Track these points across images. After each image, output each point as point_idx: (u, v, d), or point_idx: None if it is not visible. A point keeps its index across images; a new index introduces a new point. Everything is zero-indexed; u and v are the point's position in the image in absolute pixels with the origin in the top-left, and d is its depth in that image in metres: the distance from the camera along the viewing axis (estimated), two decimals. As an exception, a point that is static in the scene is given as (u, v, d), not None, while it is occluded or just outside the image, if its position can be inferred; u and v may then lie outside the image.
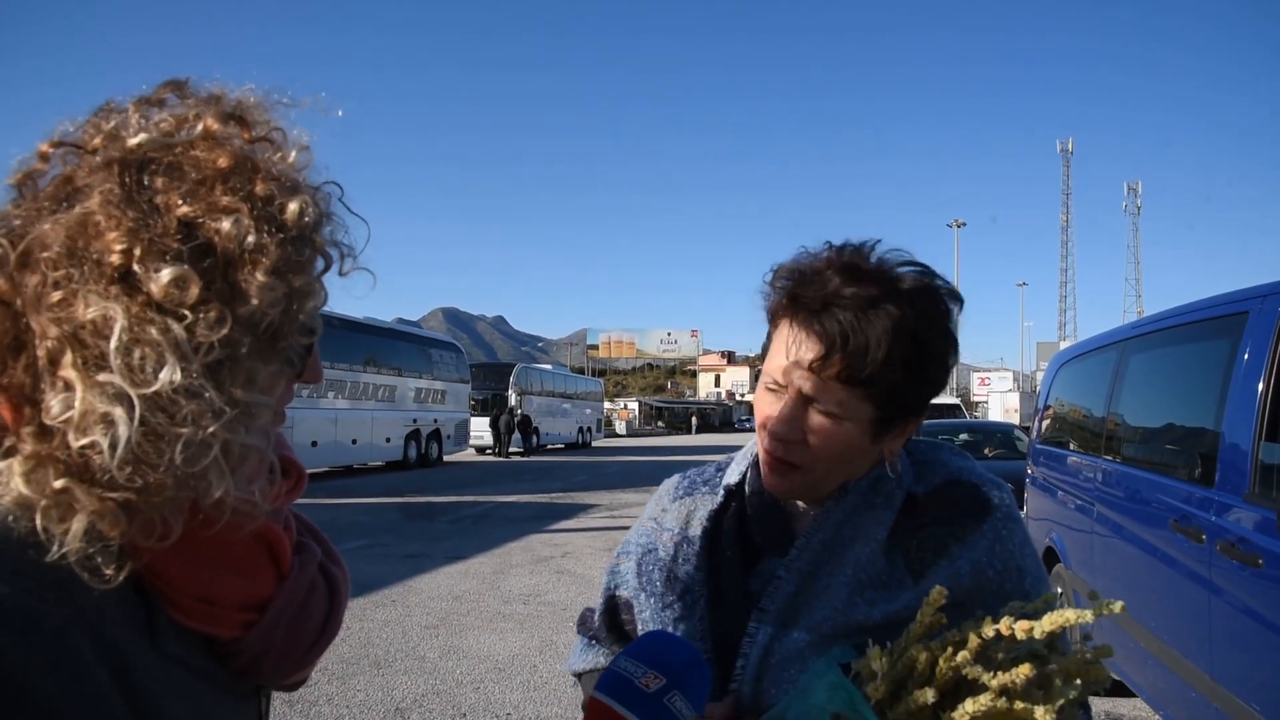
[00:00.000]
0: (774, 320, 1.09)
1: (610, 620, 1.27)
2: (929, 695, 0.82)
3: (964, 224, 52.30)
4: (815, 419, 1.03)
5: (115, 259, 0.63)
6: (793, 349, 1.03)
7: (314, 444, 19.77)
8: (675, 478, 1.31)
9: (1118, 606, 0.84)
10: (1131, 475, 4.24)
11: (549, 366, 46.65)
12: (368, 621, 6.76)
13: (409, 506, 14.79)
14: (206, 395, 0.64)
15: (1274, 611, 2.73)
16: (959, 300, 1.08)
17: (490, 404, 33.39)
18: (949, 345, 1.06)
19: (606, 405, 60.68)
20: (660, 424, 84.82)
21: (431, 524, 12.56)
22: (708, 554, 1.15)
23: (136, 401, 0.62)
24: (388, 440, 23.26)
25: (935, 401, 1.23)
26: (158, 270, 0.63)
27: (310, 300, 0.72)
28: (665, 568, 1.17)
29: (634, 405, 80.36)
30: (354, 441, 21.58)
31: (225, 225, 0.65)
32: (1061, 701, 0.81)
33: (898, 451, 1.10)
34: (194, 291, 0.63)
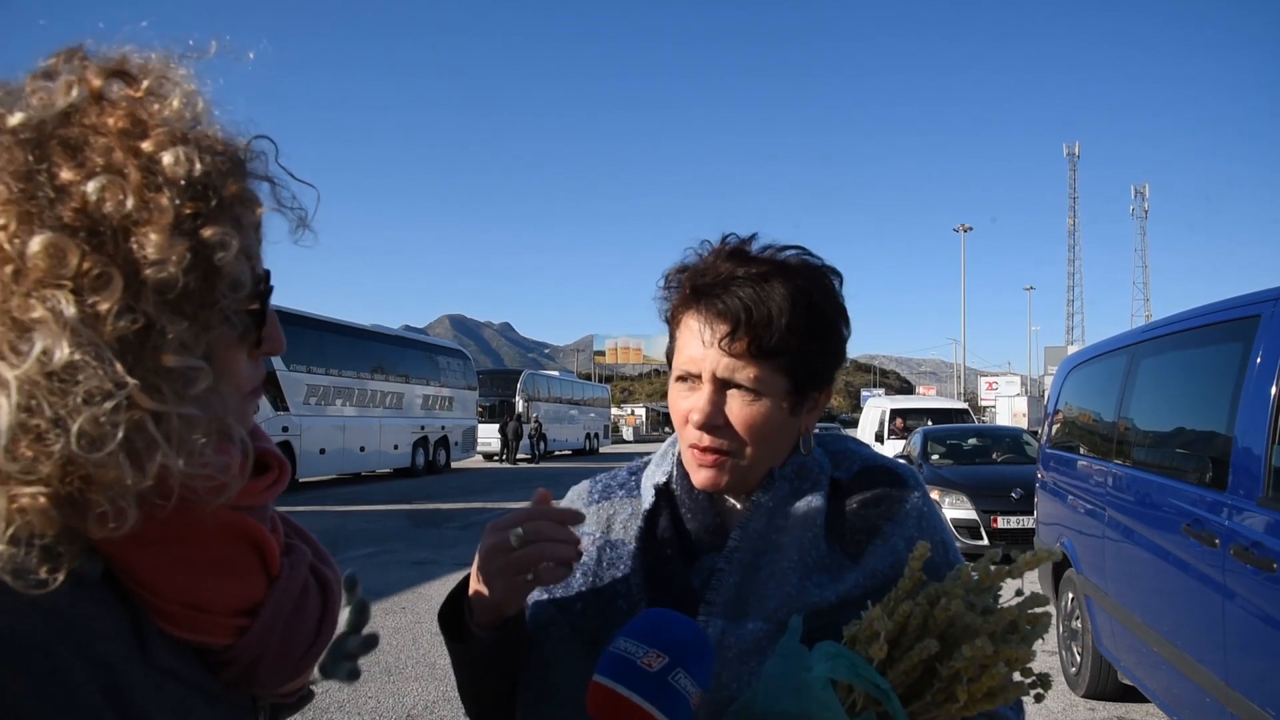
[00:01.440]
0: (676, 318, 1.12)
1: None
2: (933, 646, 0.83)
3: (970, 229, 52.27)
4: (734, 400, 1.06)
5: None
6: (701, 335, 1.06)
7: (322, 451, 19.82)
8: (585, 483, 1.29)
9: (1057, 554, 0.87)
10: (1143, 479, 4.22)
11: (556, 373, 46.66)
12: (377, 628, 6.71)
13: (417, 513, 14.81)
14: (112, 367, 0.59)
15: (1289, 616, 2.72)
16: (839, 276, 1.14)
17: (498, 410, 33.42)
18: (840, 315, 1.11)
19: (614, 411, 60.69)
20: (667, 430, 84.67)
21: (440, 531, 12.57)
22: (642, 555, 1.14)
23: (13, 384, 0.57)
24: (396, 447, 23.29)
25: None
26: (28, 238, 0.59)
27: (225, 252, 0.66)
28: (590, 571, 1.15)
29: (641, 411, 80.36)
30: (362, 449, 21.62)
31: (93, 186, 0.61)
32: (1036, 640, 0.86)
33: (812, 428, 1.15)
34: (73, 261, 0.59)
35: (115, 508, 0.61)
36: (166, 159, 0.64)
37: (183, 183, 0.64)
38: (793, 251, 1.12)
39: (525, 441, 32.62)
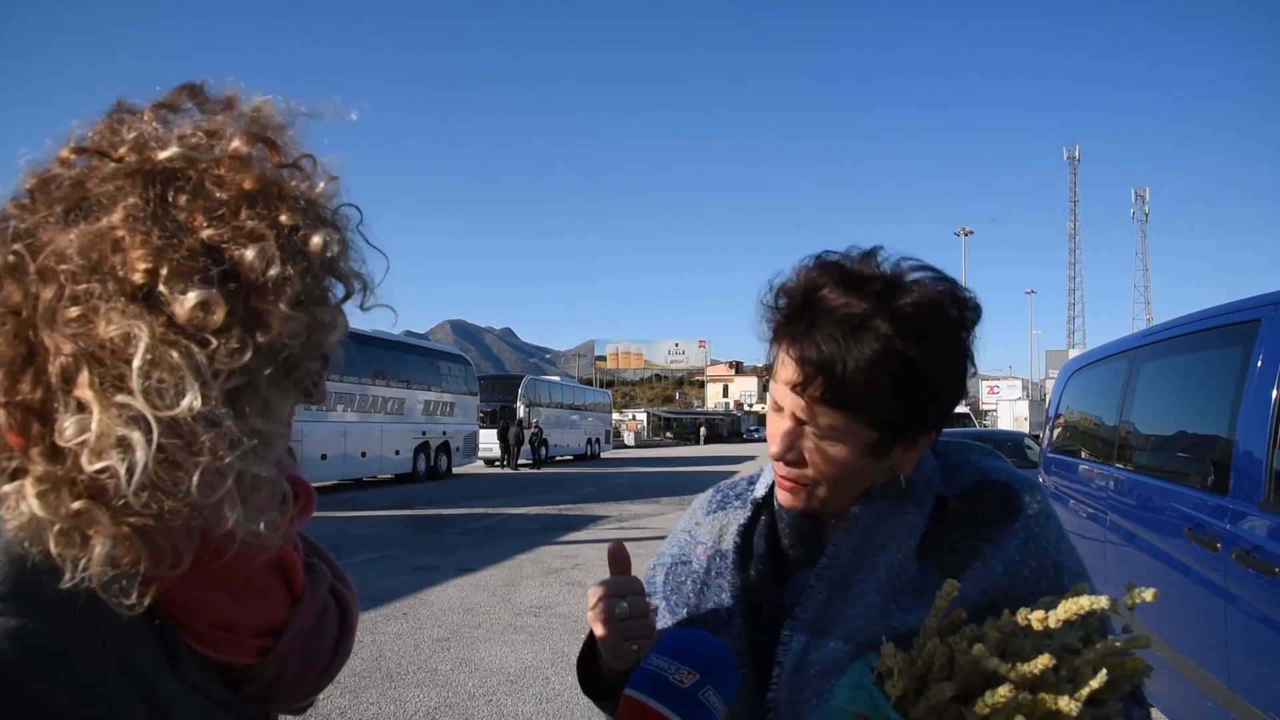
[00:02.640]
0: (773, 339, 1.07)
1: None
2: (947, 690, 0.81)
3: (971, 232, 52.26)
4: (809, 440, 1.03)
5: (139, 277, 0.60)
6: (782, 369, 1.03)
7: (323, 457, 19.82)
8: (709, 491, 1.31)
9: (1149, 594, 0.82)
10: (1144, 483, 4.22)
11: (557, 378, 46.71)
12: (379, 634, 6.75)
13: (418, 519, 14.79)
14: (225, 424, 0.62)
15: (1291, 620, 2.72)
16: (967, 306, 1.03)
17: (499, 416, 33.42)
18: (951, 360, 1.02)
19: (615, 416, 60.67)
20: (668, 435, 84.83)
21: (441, 536, 12.56)
22: (740, 569, 1.15)
23: (155, 426, 0.59)
24: (397, 453, 23.30)
25: None
26: (184, 292, 0.61)
27: (331, 333, 0.71)
28: (699, 580, 1.17)
29: (642, 416, 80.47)
30: (363, 454, 21.62)
31: (250, 252, 0.63)
32: (1086, 691, 0.79)
33: (912, 464, 1.07)
34: (218, 316, 0.61)
35: (176, 554, 0.64)
36: (316, 239, 0.68)
37: (318, 263, 0.68)
38: (920, 275, 1.03)
39: (526, 447, 32.63)
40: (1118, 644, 0.82)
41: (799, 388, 0.99)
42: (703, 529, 1.23)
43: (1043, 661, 0.78)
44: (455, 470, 27.09)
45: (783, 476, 1.07)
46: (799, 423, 1.03)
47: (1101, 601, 0.81)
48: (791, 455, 1.04)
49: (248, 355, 0.63)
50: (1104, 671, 0.79)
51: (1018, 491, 1.06)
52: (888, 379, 0.96)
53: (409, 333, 32.33)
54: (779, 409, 1.05)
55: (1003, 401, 46.89)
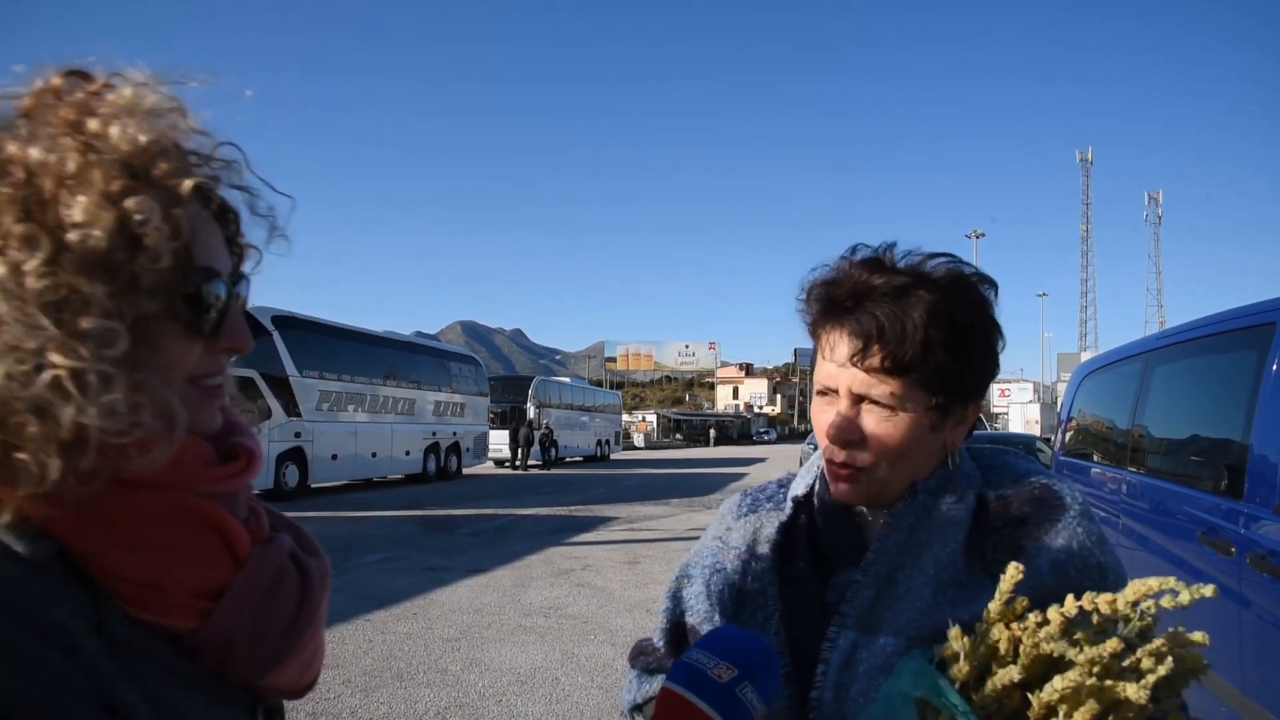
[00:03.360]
0: (815, 333, 1.09)
1: (677, 648, 1.21)
2: (1014, 673, 0.81)
3: (983, 235, 52.10)
4: (870, 415, 1.03)
5: None
6: (835, 350, 1.04)
7: (334, 457, 19.90)
8: (737, 496, 1.30)
9: (1209, 590, 0.80)
10: (1157, 487, 4.20)
11: (567, 379, 46.73)
12: (389, 634, 6.78)
13: (428, 519, 14.82)
14: (35, 323, 0.64)
15: (1306, 625, 2.70)
16: (993, 285, 1.09)
17: (509, 417, 33.48)
18: (989, 326, 1.06)
19: (624, 418, 60.70)
20: (678, 436, 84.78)
21: (451, 537, 12.58)
22: (778, 567, 1.14)
23: None
24: (407, 453, 23.35)
25: None
26: None
27: (147, 225, 0.69)
28: (735, 585, 1.16)
29: (652, 418, 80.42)
30: (374, 455, 21.69)
31: (36, 152, 0.66)
32: (1153, 678, 0.78)
33: (960, 443, 1.10)
34: (5, 223, 0.64)
35: (38, 461, 0.65)
36: (112, 130, 0.70)
37: (118, 156, 0.69)
38: (940, 260, 1.08)
39: (536, 448, 32.67)
40: (1179, 637, 0.81)
41: (858, 357, 1.01)
42: (735, 534, 1.22)
43: (1111, 645, 0.77)
44: (465, 471, 27.13)
45: (840, 464, 1.06)
46: (856, 400, 1.04)
47: (1170, 582, 0.80)
48: (851, 435, 1.04)
49: (46, 253, 0.64)
50: (1170, 659, 0.79)
51: (1058, 493, 1.07)
52: (940, 337, 1.00)
53: (420, 333, 32.46)
54: (830, 394, 1.06)
55: (1014, 404, 46.78)
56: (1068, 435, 6.23)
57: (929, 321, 1.00)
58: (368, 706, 5.08)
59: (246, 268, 0.85)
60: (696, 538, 1.32)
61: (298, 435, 18.65)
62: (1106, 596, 0.81)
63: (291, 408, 18.49)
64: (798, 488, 1.20)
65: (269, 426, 17.76)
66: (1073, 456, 5.95)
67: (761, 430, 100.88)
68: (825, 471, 1.12)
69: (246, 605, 0.76)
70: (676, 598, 1.23)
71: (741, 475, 29.07)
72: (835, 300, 1.05)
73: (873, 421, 1.03)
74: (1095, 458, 5.51)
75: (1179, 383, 4.45)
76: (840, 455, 1.06)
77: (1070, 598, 0.82)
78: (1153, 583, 0.80)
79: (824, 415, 1.07)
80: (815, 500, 1.16)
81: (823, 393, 1.08)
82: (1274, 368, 3.18)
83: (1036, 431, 31.93)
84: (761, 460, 42.08)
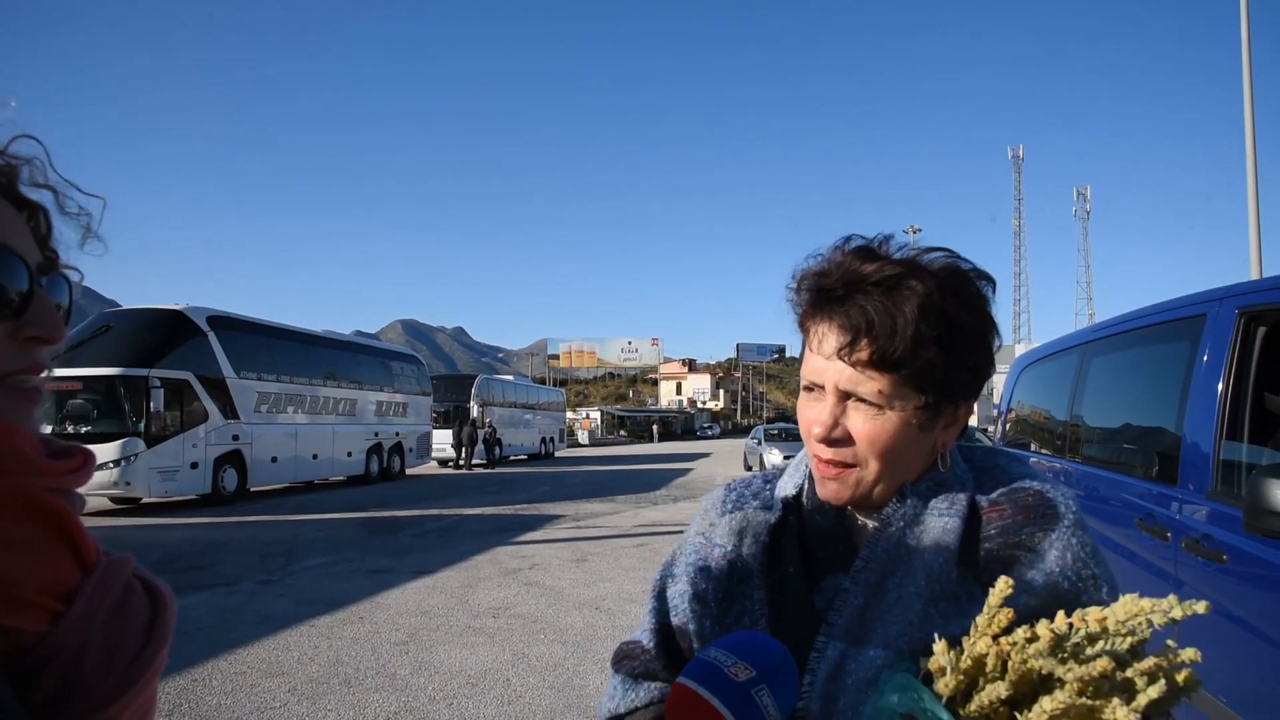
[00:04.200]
0: (804, 325, 1.06)
1: (667, 650, 1.16)
2: (1000, 690, 0.78)
3: (920, 230, 52.91)
4: (857, 413, 1.00)
5: None
6: (822, 343, 1.01)
7: (274, 460, 19.54)
8: (720, 490, 1.25)
9: (1200, 606, 0.77)
10: (1095, 475, 4.32)
11: (510, 377, 46.41)
12: (336, 639, 6.66)
13: (373, 521, 14.60)
14: None
15: (1240, 606, 2.80)
16: (990, 281, 1.05)
17: (452, 416, 33.20)
18: (986, 324, 1.03)
19: (568, 415, 60.55)
20: (623, 433, 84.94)
21: (396, 538, 12.41)
22: (766, 569, 1.10)
23: None
24: (349, 454, 23.00)
25: None
26: None
27: None
28: (721, 585, 1.11)
29: (596, 415, 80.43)
30: (315, 456, 21.32)
31: None
32: (1145, 700, 0.75)
33: (951, 444, 1.07)
34: None
35: None
36: None
37: None
38: (937, 254, 1.03)
39: (480, 447, 32.44)
40: (1171, 655, 0.78)
41: (845, 350, 0.98)
42: (718, 531, 1.17)
43: (1102, 665, 0.75)
44: (409, 471, 26.82)
45: (827, 461, 1.03)
46: (843, 396, 1.00)
47: (1164, 605, 0.77)
48: (837, 432, 1.01)
49: None
50: (1161, 682, 0.76)
51: (1053, 499, 1.03)
52: (932, 332, 0.97)
53: (359, 332, 32.01)
54: (817, 389, 1.03)
55: (951, 396, 47.52)
56: (1007, 426, 6.37)
57: (921, 316, 0.96)
58: (315, 714, 4.98)
59: (73, 276, 0.82)
60: (645, 535, 1.30)
61: (236, 438, 18.26)
62: (1096, 613, 0.79)
63: (229, 410, 18.10)
64: (787, 487, 1.17)
65: (206, 429, 17.37)
66: (1012, 447, 6.09)
67: (705, 425, 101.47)
68: (813, 470, 1.08)
69: (99, 612, 0.70)
70: (662, 597, 1.19)
71: (687, 471, 29.20)
72: (825, 290, 1.01)
73: (859, 420, 1.00)
74: (1034, 447, 5.65)
75: (1115, 373, 4.58)
76: (826, 453, 1.03)
77: (1060, 614, 0.80)
78: (1145, 603, 0.77)
79: (810, 411, 1.04)
80: (805, 501, 1.13)
81: (809, 388, 1.05)
82: (1204, 358, 3.28)
83: (974, 421, 32.58)
84: (706, 455, 42.31)
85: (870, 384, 0.99)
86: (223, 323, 18.41)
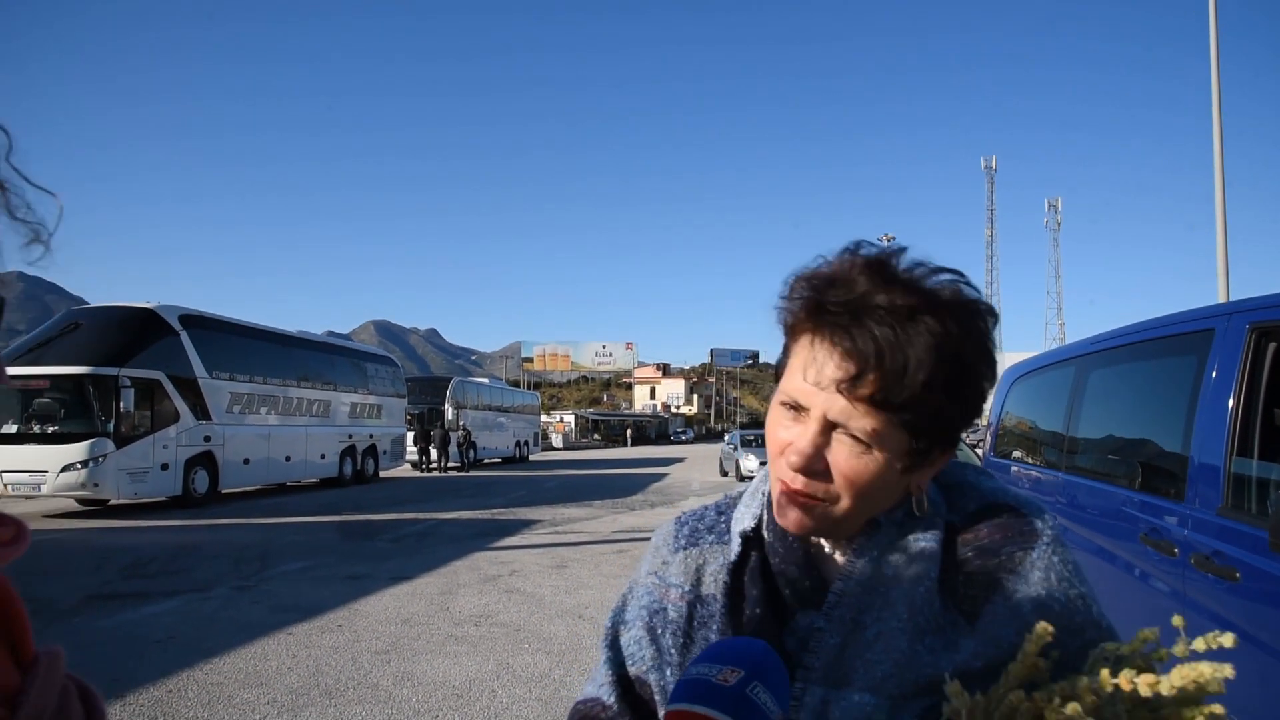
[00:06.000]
0: (793, 333, 0.95)
1: (630, 702, 1.07)
2: None
3: (893, 238, 53.27)
4: (841, 446, 0.90)
5: None
6: (819, 367, 0.90)
7: (246, 462, 19.30)
8: (670, 525, 1.15)
9: (1227, 639, 0.72)
10: (1095, 488, 4.29)
11: (485, 380, 46.18)
12: (315, 648, 6.51)
13: (347, 525, 14.42)
14: None
15: (1254, 625, 2.77)
16: (994, 315, 0.95)
17: (426, 418, 32.98)
18: (987, 366, 0.93)
19: (543, 418, 60.36)
20: (596, 437, 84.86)
21: (372, 543, 12.25)
22: (731, 615, 1.00)
23: None
24: (323, 457, 22.78)
25: None
26: None
27: None
28: (681, 630, 1.03)
29: (570, 418, 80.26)
30: (287, 459, 21.09)
31: None
32: None
33: (925, 487, 0.97)
34: None
35: None
36: None
37: None
38: (947, 277, 0.93)
39: (454, 449, 32.24)
40: (1211, 710, 0.72)
41: (846, 384, 0.87)
42: (672, 569, 1.08)
43: None
44: (383, 474, 26.60)
45: (796, 490, 0.92)
46: (829, 426, 0.90)
47: (1225, 671, 0.71)
48: (815, 465, 0.90)
49: None
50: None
51: (1029, 516, 0.97)
52: (941, 377, 0.87)
53: (331, 333, 31.81)
54: (798, 410, 0.92)
55: (925, 404, 47.94)
56: (999, 438, 6.36)
57: (934, 359, 0.87)
58: (296, 726, 4.86)
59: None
60: (624, 541, 1.21)
61: (207, 439, 18.01)
62: (1149, 678, 0.71)
63: (200, 410, 17.85)
64: (744, 520, 1.06)
65: (177, 430, 17.10)
66: (1004, 459, 6.07)
67: (679, 430, 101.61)
68: (773, 494, 0.97)
69: (42, 714, 0.60)
70: (615, 646, 1.10)
71: (662, 476, 29.16)
72: (830, 306, 0.90)
73: (843, 454, 0.90)
74: (1029, 459, 5.63)
75: (1115, 387, 4.56)
76: (798, 483, 0.92)
77: (1105, 673, 0.73)
78: (1205, 669, 0.70)
79: (785, 432, 0.93)
80: (765, 533, 1.02)
81: (790, 406, 0.94)
82: (1214, 374, 3.26)
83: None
84: (680, 460, 42.30)
85: (863, 421, 0.89)
86: (195, 321, 18.16)
